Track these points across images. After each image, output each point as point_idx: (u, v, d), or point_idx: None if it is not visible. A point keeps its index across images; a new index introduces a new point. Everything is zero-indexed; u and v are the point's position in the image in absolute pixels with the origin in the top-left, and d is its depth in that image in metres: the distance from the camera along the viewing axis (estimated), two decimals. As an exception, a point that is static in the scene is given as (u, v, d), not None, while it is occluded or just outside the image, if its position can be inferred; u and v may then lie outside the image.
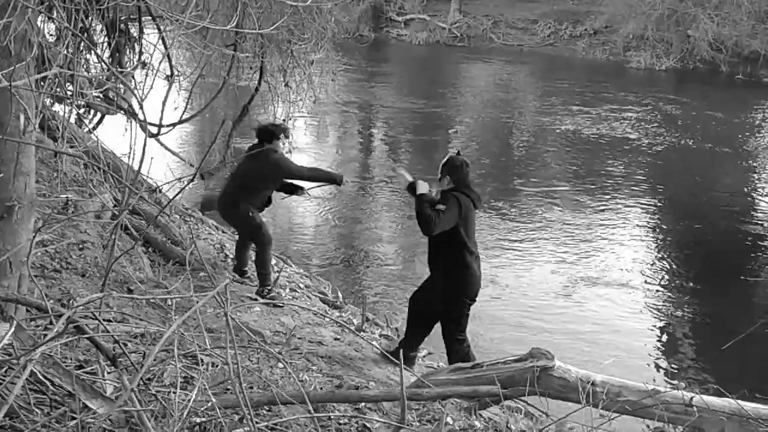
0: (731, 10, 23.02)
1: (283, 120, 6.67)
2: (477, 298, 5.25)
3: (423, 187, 5.06)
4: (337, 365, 5.32)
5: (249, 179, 6.37)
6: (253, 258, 6.62)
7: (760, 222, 10.94)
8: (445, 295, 5.19)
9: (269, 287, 6.33)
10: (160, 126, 5.36)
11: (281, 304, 6.12)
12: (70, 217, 5.50)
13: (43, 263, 5.07)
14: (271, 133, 6.38)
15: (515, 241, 9.77)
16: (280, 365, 4.08)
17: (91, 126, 7.86)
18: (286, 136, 6.55)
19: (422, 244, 9.57)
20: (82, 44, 5.21)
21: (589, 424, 3.63)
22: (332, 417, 3.42)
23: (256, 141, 6.45)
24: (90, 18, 6.27)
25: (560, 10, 28.20)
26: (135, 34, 7.17)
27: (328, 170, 6.58)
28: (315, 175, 6.52)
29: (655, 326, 7.58)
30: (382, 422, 3.46)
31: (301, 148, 12.74)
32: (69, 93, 4.78)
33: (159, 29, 6.31)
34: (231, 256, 7.11)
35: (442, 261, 5.14)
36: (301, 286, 7.11)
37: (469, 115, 17.92)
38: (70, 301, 4.39)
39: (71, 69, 4.25)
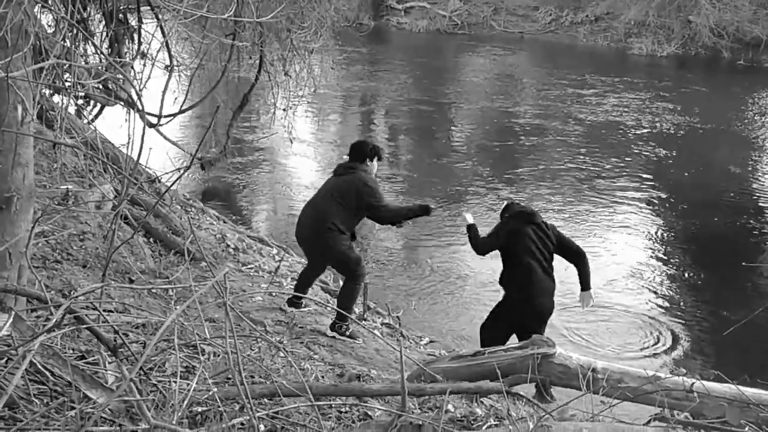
0: (733, -5, 22.92)
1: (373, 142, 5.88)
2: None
3: (469, 218, 5.71)
4: (338, 354, 5.33)
5: (345, 196, 5.48)
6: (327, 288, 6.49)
7: (762, 208, 10.91)
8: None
9: (347, 324, 5.64)
10: (159, 116, 5.35)
11: (359, 342, 5.61)
12: (70, 208, 5.50)
13: (44, 254, 5.08)
14: (361, 152, 5.67)
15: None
16: (282, 354, 4.08)
17: (90, 117, 7.86)
18: (379, 158, 5.76)
19: (423, 236, 9.61)
20: (80, 34, 5.20)
21: (590, 411, 3.63)
22: (333, 405, 3.42)
23: (346, 158, 5.79)
24: (88, 8, 6.26)
25: (561, -4, 28.09)
26: (134, 24, 7.15)
27: (409, 206, 5.81)
28: (397, 215, 5.62)
29: (655, 312, 7.58)
30: (383, 410, 3.47)
31: (301, 137, 12.73)
32: (67, 84, 4.77)
33: (157, 18, 6.28)
34: (232, 245, 7.11)
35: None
36: (303, 275, 7.11)
37: (469, 102, 17.87)
38: (71, 292, 4.40)
39: (69, 59, 4.23)
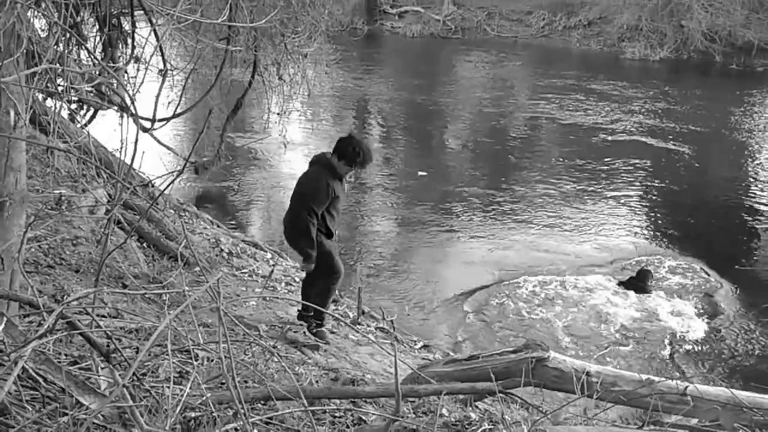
0: (725, 0, 23.01)
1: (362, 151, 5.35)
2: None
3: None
4: (333, 358, 5.32)
5: (297, 191, 5.49)
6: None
7: (753, 211, 10.95)
8: None
9: (320, 324, 5.64)
10: (153, 120, 5.33)
11: (326, 344, 5.52)
12: (63, 212, 5.48)
13: (37, 259, 5.06)
14: (342, 151, 5.34)
15: (510, 230, 9.78)
16: (276, 359, 4.07)
17: (83, 121, 7.83)
18: (348, 162, 5.34)
19: (416, 239, 9.62)
20: (74, 39, 5.19)
21: (584, 415, 3.63)
22: (327, 410, 3.41)
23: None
24: (81, 13, 6.24)
25: (554, 1, 28.15)
26: (127, 29, 7.14)
27: (310, 245, 5.35)
28: (304, 232, 5.34)
29: (649, 315, 7.59)
30: (378, 415, 3.46)
31: (295, 142, 12.72)
32: (60, 88, 4.75)
33: (151, 23, 6.27)
34: (226, 250, 7.09)
35: None
36: (297, 279, 7.10)
37: (463, 106, 17.90)
38: (64, 297, 4.38)
39: (62, 64, 4.22)
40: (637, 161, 13.18)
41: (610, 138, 14.65)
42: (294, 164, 12.51)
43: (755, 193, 11.76)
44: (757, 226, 10.41)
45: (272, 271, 6.72)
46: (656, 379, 3.91)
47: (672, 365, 6.67)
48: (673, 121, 16.02)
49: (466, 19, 28.86)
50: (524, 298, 7.83)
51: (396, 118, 16.69)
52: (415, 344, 6.51)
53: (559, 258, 8.93)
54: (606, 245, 9.43)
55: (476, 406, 4.12)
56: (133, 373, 2.50)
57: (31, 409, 2.37)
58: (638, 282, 8.07)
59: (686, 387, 3.70)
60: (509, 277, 8.36)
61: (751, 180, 12.56)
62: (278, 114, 10.50)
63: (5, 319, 2.41)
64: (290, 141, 11.60)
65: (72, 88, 4.72)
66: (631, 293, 7.95)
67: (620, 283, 8.17)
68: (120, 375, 2.46)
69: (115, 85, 5.94)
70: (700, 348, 7.00)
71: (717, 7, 23.10)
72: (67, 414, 2.27)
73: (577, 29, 26.93)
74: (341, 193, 5.51)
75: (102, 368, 2.74)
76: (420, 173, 12.22)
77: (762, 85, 20.43)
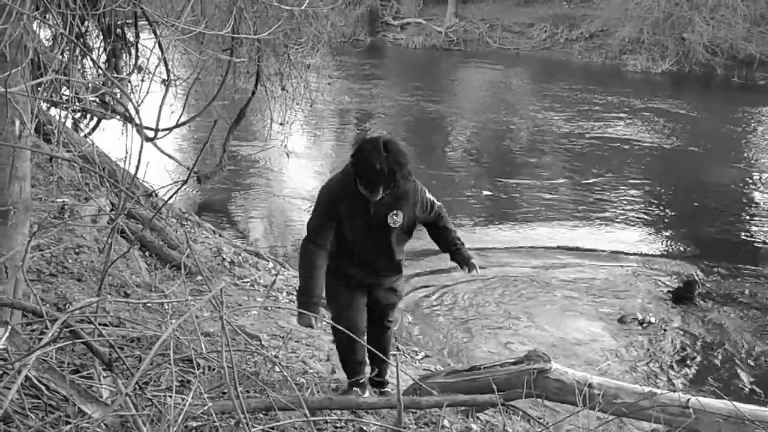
0: (726, 13, 23.11)
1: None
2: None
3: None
4: (336, 369, 5.31)
5: None
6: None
7: (754, 224, 10.96)
8: None
9: (352, 382, 4.41)
10: (156, 130, 5.37)
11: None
12: (66, 221, 5.50)
13: (40, 268, 5.07)
14: (352, 158, 4.05)
15: (509, 240, 9.78)
16: (278, 368, 4.08)
17: (87, 131, 7.87)
18: (363, 185, 3.96)
19: (417, 250, 9.60)
20: (78, 49, 5.22)
21: (586, 427, 3.63)
22: (329, 420, 3.42)
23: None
24: (86, 23, 6.29)
25: (556, 13, 28.30)
26: (131, 39, 7.19)
27: (315, 276, 4.04)
28: (300, 260, 4.14)
29: (650, 328, 7.58)
30: (379, 425, 3.46)
31: (298, 152, 12.75)
32: (65, 98, 4.78)
33: (155, 34, 6.31)
34: (228, 259, 7.10)
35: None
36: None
37: (466, 118, 17.94)
38: (66, 306, 4.39)
39: (67, 74, 4.25)
40: (635, 175, 13.21)
41: (609, 151, 14.67)
42: (296, 173, 12.56)
43: (755, 208, 11.75)
44: (755, 239, 10.40)
45: (274, 281, 6.73)
46: (658, 391, 3.91)
47: (674, 377, 6.65)
48: (673, 134, 16.04)
49: (468, 31, 29.00)
50: (526, 309, 7.81)
51: (397, 128, 16.72)
52: (416, 355, 6.50)
53: (554, 268, 8.91)
54: (602, 256, 9.43)
55: (478, 418, 4.12)
56: (136, 382, 2.51)
57: (34, 418, 2.38)
58: (685, 292, 8.11)
59: (688, 399, 3.70)
60: (510, 285, 8.34)
61: (752, 195, 12.55)
62: (281, 124, 10.54)
63: (9, 327, 2.43)
64: (292, 151, 11.63)
65: (76, 97, 4.74)
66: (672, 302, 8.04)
67: (668, 293, 8.22)
68: (123, 384, 2.46)
69: (119, 94, 5.97)
70: (701, 360, 6.98)
71: (718, 20, 23.20)
72: (69, 422, 2.28)
73: (579, 42, 27.04)
74: (359, 216, 3.97)
75: (104, 377, 2.75)
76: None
77: (764, 99, 20.48)
